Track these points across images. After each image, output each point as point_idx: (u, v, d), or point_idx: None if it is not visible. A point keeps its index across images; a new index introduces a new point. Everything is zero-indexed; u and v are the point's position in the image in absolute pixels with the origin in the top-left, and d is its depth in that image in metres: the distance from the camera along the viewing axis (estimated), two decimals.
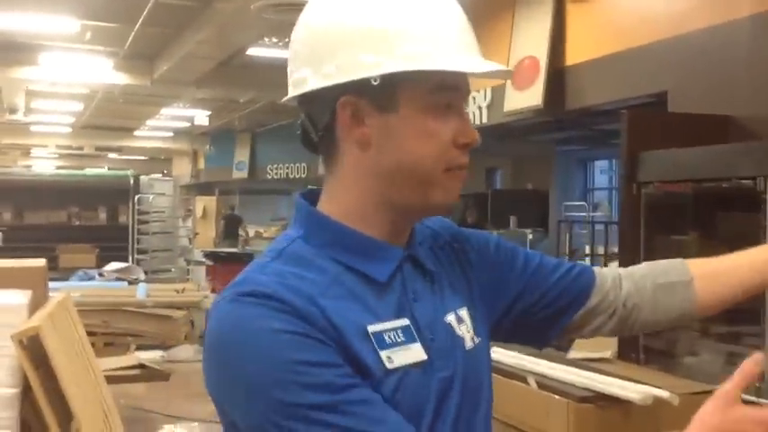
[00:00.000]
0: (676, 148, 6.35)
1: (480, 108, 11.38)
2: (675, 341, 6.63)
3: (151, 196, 14.89)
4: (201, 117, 18.25)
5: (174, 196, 16.00)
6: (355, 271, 1.04)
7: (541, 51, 10.05)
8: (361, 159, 1.04)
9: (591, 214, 11.26)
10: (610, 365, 6.10)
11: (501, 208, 12.54)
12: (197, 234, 17.51)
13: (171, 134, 22.90)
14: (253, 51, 12.30)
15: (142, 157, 27.31)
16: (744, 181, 5.77)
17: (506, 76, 1.10)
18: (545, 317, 1.23)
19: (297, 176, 20.50)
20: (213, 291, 9.10)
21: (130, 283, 10.72)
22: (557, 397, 5.36)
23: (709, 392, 4.41)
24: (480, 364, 1.11)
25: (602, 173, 14.06)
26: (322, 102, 1.05)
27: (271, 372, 0.93)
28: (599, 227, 9.37)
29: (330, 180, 1.09)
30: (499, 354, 6.19)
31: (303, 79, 1.06)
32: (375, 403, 0.95)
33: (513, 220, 12.25)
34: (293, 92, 1.09)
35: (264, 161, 21.13)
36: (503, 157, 14.82)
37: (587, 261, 9.01)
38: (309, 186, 1.15)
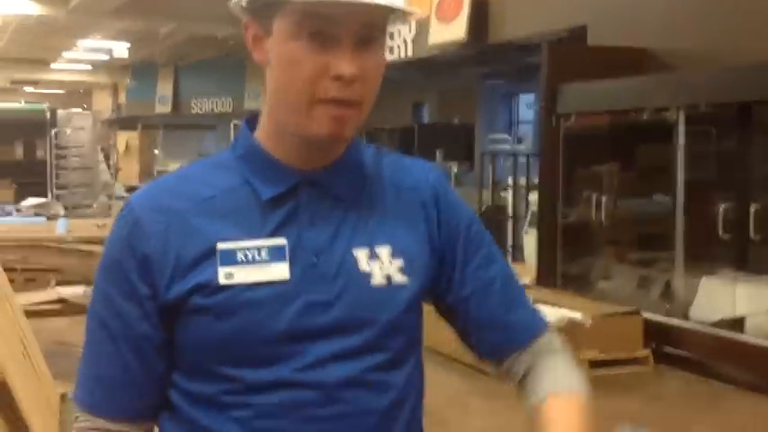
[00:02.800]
0: (594, 80, 6.48)
1: (405, 41, 11.32)
2: (591, 266, 6.88)
3: (69, 130, 14.44)
4: (121, 49, 17.68)
5: (94, 131, 15.56)
6: (251, 186, 1.07)
7: None
8: (269, 82, 1.07)
9: (515, 146, 11.41)
10: (529, 291, 6.31)
11: (427, 142, 12.60)
12: (119, 169, 17.14)
13: (89, 67, 22.13)
14: None
15: (60, 91, 26.40)
16: (657, 112, 5.94)
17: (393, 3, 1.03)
18: (466, 332, 1.19)
19: (223, 110, 20.08)
20: None
21: (49, 218, 10.46)
22: None
23: (620, 314, 4.68)
24: (391, 303, 1.07)
25: (528, 107, 14.21)
26: (239, 21, 1.11)
27: (97, 274, 1.11)
28: (522, 159, 9.51)
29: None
30: None
31: None
32: (120, 350, 1.08)
33: (439, 153, 12.34)
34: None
35: (188, 95, 20.64)
36: (429, 91, 14.82)
37: (509, 192, 9.18)
38: (254, 110, 1.17)
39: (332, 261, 1.05)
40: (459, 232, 1.15)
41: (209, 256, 1.03)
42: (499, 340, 1.18)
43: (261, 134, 1.10)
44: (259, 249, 1.03)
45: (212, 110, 20.26)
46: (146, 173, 18.03)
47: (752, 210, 5.24)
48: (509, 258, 8.43)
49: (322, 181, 1.08)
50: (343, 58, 1.01)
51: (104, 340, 1.08)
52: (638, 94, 6.10)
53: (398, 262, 1.08)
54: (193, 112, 20.62)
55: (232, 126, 15.85)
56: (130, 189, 10.15)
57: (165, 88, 21.06)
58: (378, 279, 1.07)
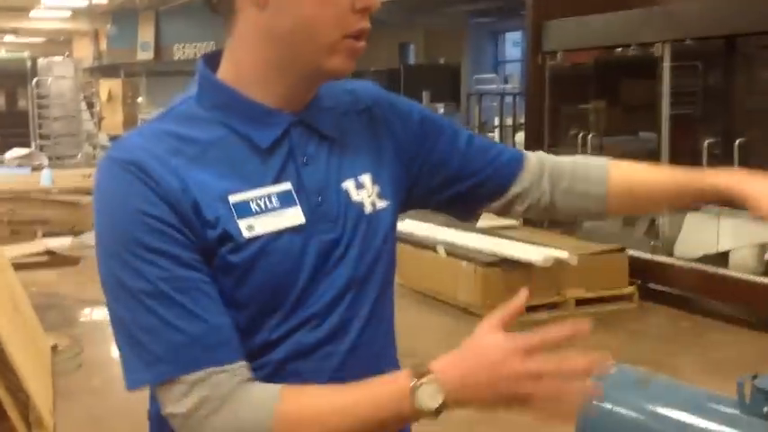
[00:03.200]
0: (581, 15, 6.40)
1: None
2: None
3: (50, 79, 14.22)
4: None
5: (76, 79, 15.31)
6: (240, 135, 1.03)
7: None
8: (258, 21, 1.02)
9: (502, 86, 11.34)
10: (516, 232, 6.34)
11: (414, 83, 12.50)
12: (103, 118, 16.97)
13: (69, 14, 21.75)
14: None
15: (40, 40, 25.96)
16: (644, 47, 5.89)
17: None
18: (469, 195, 1.24)
19: None
20: None
21: (34, 169, 10.38)
22: (464, 263, 5.58)
23: (606, 252, 4.68)
24: (379, 229, 1.11)
25: (515, 45, 14.08)
26: None
27: (115, 244, 0.98)
28: (509, 99, 9.46)
29: (229, 43, 1.06)
30: (411, 225, 6.34)
31: None
32: (202, 299, 0.97)
33: (426, 94, 12.26)
34: None
35: (170, 41, 20.36)
36: (415, 31, 14.65)
37: (496, 132, 9.14)
38: (208, 53, 1.11)
39: (332, 198, 1.06)
40: (418, 129, 1.19)
41: (221, 208, 0.99)
42: (498, 171, 1.24)
43: (231, 78, 1.05)
44: (269, 197, 1.02)
45: (195, 55, 19.98)
46: (130, 121, 17.84)
47: (736, 144, 5.24)
48: None
49: (309, 120, 1.07)
50: None
51: (169, 300, 0.95)
52: (624, 29, 6.04)
53: (377, 187, 1.11)
54: (176, 58, 20.35)
55: None
56: (114, 138, 10.05)
57: (146, 34, 20.75)
58: (368, 207, 1.09)
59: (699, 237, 5.33)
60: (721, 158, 5.41)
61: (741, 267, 4.97)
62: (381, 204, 1.11)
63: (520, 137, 7.81)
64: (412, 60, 15.21)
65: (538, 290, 5.11)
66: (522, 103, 7.55)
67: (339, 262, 1.06)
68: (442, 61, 13.71)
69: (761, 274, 4.87)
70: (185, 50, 20.06)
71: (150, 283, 0.96)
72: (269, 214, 1.01)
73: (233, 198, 1.00)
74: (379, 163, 1.13)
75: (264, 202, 1.01)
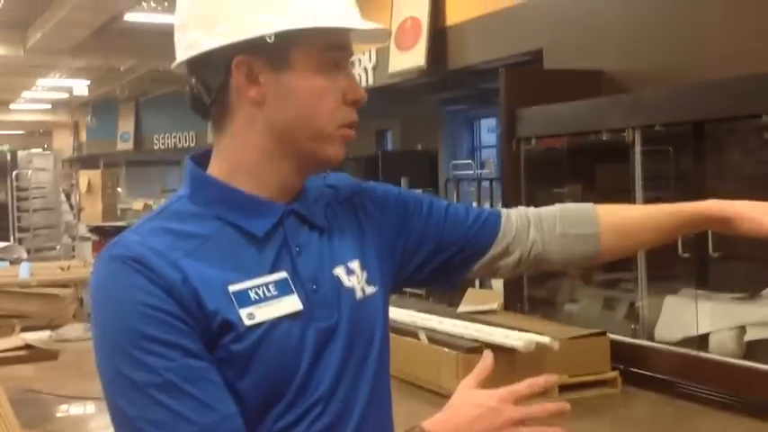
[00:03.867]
0: (552, 103, 6.58)
1: (366, 70, 11.38)
2: (557, 290, 6.92)
3: (30, 172, 14.26)
4: (81, 87, 17.58)
5: (56, 171, 15.37)
6: (235, 226, 1.07)
7: (423, 12, 10.12)
8: (254, 117, 1.07)
9: (478, 171, 11.51)
10: (497, 317, 6.34)
11: (392, 170, 12.66)
12: (82, 209, 16.95)
13: (49, 106, 21.97)
14: (131, 17, 11.88)
15: (20, 132, 26.12)
16: (615, 133, 6.04)
17: (385, 38, 1.16)
18: (453, 263, 1.27)
19: (185, 145, 20.01)
20: None
21: (12, 262, 10.31)
22: (446, 350, 5.55)
23: (587, 336, 4.70)
24: (372, 315, 1.14)
25: (490, 131, 14.35)
26: (215, 63, 1.08)
27: (119, 339, 0.99)
28: (486, 184, 9.59)
29: (220, 140, 1.11)
30: (391, 311, 6.33)
31: (195, 41, 1.08)
32: (211, 389, 0.98)
33: (404, 181, 12.39)
34: (185, 54, 1.10)
35: (150, 131, 20.55)
36: (392, 119, 14.91)
37: None
38: (194, 153, 1.17)
39: (325, 285, 1.10)
40: (396, 213, 1.24)
41: (221, 298, 1.01)
42: (477, 234, 1.27)
43: (225, 174, 1.10)
44: (267, 285, 1.04)
45: (175, 145, 20.18)
46: (109, 212, 17.84)
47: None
48: (476, 284, 8.46)
49: (299, 210, 1.12)
50: (354, 82, 1.11)
51: (178, 390, 0.95)
52: (595, 115, 6.21)
53: (365, 273, 1.15)
54: (156, 147, 20.52)
55: None
56: (94, 229, 10.03)
57: (126, 125, 20.95)
58: (359, 293, 1.13)
59: (678, 319, 5.36)
60: (695, 242, 5.49)
61: (720, 350, 4.99)
62: (371, 290, 1.15)
63: None
64: (390, 147, 15.44)
65: (521, 376, 5.07)
66: (499, 187, 7.66)
67: (337, 347, 1.08)
68: (419, 147, 13.93)
69: (741, 357, 4.88)
70: (165, 140, 20.24)
71: (158, 375, 0.96)
72: (268, 302, 1.04)
73: (233, 288, 1.02)
74: (364, 250, 1.17)
75: (263, 291, 1.04)
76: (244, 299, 1.02)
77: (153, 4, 10.96)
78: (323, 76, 1.07)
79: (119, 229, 10.45)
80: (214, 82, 1.08)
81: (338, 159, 1.11)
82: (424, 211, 1.26)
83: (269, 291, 1.04)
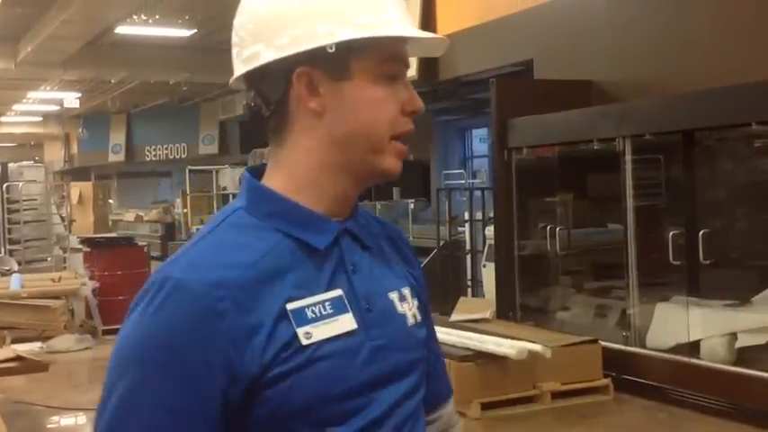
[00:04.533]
0: (543, 113, 6.62)
1: None
2: (549, 298, 6.95)
3: (21, 184, 14.22)
4: (71, 99, 17.55)
5: (47, 183, 15.33)
6: (295, 239, 1.06)
7: (414, 22, 10.13)
8: (314, 128, 1.07)
9: (470, 181, 11.54)
10: (489, 325, 6.35)
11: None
12: (73, 221, 16.91)
13: (40, 119, 21.94)
14: (122, 30, 11.89)
15: (11, 144, 26.07)
16: (605, 142, 6.08)
17: (442, 49, 1.16)
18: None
19: (177, 157, 20.00)
20: (92, 278, 8.80)
21: (3, 274, 10.27)
22: None
23: (579, 344, 4.72)
24: (418, 343, 1.14)
25: (482, 141, 14.40)
26: (274, 75, 1.08)
27: (136, 378, 0.99)
28: (477, 193, 9.61)
29: (278, 153, 1.11)
30: None
31: (255, 54, 1.08)
32: None
33: (396, 191, 12.43)
34: (244, 67, 1.10)
35: (142, 142, 20.54)
36: None
37: (467, 226, 9.24)
38: (251, 166, 1.17)
39: (379, 306, 1.09)
40: (423, 288, 1.23)
41: (280, 320, 1.01)
42: (436, 391, 1.27)
43: (283, 187, 1.10)
44: (323, 303, 1.04)
45: (166, 156, 20.17)
46: (101, 223, 17.79)
47: (701, 235, 5.36)
48: (468, 293, 8.47)
49: (353, 229, 1.12)
50: (412, 93, 1.10)
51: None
52: (585, 125, 6.24)
53: (416, 301, 1.15)
54: (147, 159, 20.50)
55: (187, 172, 15.78)
56: (85, 241, 10.01)
57: (117, 137, 20.93)
58: (410, 320, 1.13)
59: (669, 327, 5.38)
60: (686, 249, 5.52)
61: (711, 356, 5.01)
62: (420, 318, 1.15)
63: (489, 231, 7.91)
64: None
65: (513, 384, 5.09)
66: (491, 197, 7.69)
67: (389, 367, 1.08)
68: (411, 158, 13.97)
69: (732, 364, 4.91)
70: (156, 152, 20.23)
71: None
72: (324, 321, 1.03)
73: (291, 306, 1.02)
74: (411, 282, 1.18)
75: (320, 309, 1.03)
76: (301, 317, 1.02)
77: (144, 17, 10.97)
78: (383, 86, 1.07)
79: (111, 240, 10.45)
80: (274, 94, 1.08)
81: (396, 171, 1.11)
82: (428, 321, 1.24)
83: (325, 309, 1.04)
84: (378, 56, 1.07)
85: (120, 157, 20.77)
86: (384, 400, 1.06)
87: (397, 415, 1.08)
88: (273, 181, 1.11)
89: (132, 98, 18.18)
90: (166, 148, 20.01)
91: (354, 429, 1.04)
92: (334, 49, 1.04)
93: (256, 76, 1.10)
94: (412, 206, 11.52)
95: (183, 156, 19.57)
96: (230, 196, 13.83)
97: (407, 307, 1.13)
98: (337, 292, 1.06)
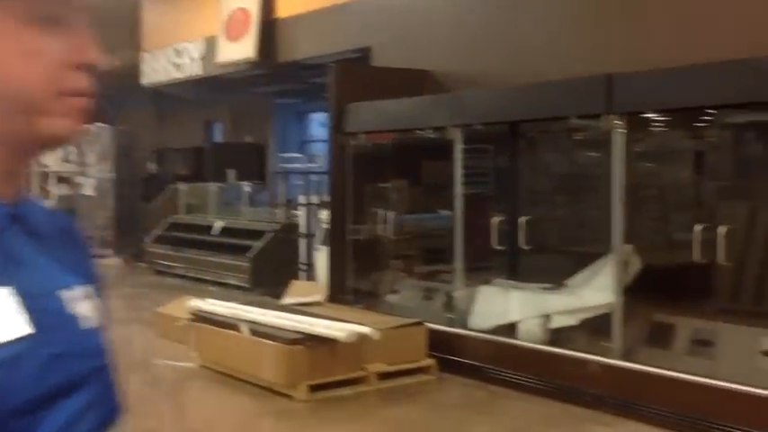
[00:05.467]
0: (380, 100, 6.71)
1: (192, 59, 11.15)
2: (380, 281, 7.08)
3: None
4: None
5: None
6: None
7: (253, 3, 10.04)
8: None
9: (308, 165, 11.54)
10: (321, 308, 6.38)
11: (219, 161, 12.45)
12: None
13: None
14: None
15: None
16: (438, 131, 6.25)
17: None
18: None
19: None
20: None
21: None
22: (268, 342, 5.53)
23: (406, 326, 4.82)
24: (98, 348, 0.98)
25: (321, 126, 14.43)
26: None
27: None
28: (314, 177, 9.64)
29: None
30: (212, 304, 6.23)
31: None
32: None
33: (231, 173, 12.22)
34: None
35: None
36: (222, 110, 14.66)
37: (302, 210, 9.25)
38: None
39: (52, 307, 0.92)
40: (99, 285, 1.08)
41: None
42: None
43: None
44: None
45: None
46: None
47: (520, 222, 5.63)
48: (303, 277, 8.49)
49: (24, 215, 0.93)
50: (85, 42, 0.90)
51: None
52: (419, 113, 6.39)
53: (93, 301, 0.99)
54: None
55: None
56: None
57: None
58: (88, 322, 0.96)
59: (490, 309, 5.62)
60: (508, 235, 5.79)
61: (528, 337, 5.28)
62: (98, 319, 0.98)
63: (324, 215, 7.96)
64: (219, 139, 15.17)
65: (342, 366, 5.15)
66: (327, 180, 7.73)
67: (64, 379, 0.91)
68: (248, 140, 13.78)
69: (546, 344, 5.20)
70: None
71: None
72: None
73: None
74: (87, 279, 1.01)
75: None
76: None
77: None
78: (37, 31, 0.87)
79: None
80: None
81: (68, 134, 0.91)
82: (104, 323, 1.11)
83: None
84: None
85: None
86: (56, 420, 0.88)
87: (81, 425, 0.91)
88: None
89: None
90: None
91: None
92: None
93: None
94: (248, 189, 11.38)
95: None
96: None
97: (85, 307, 0.96)
98: (4, 291, 0.86)
